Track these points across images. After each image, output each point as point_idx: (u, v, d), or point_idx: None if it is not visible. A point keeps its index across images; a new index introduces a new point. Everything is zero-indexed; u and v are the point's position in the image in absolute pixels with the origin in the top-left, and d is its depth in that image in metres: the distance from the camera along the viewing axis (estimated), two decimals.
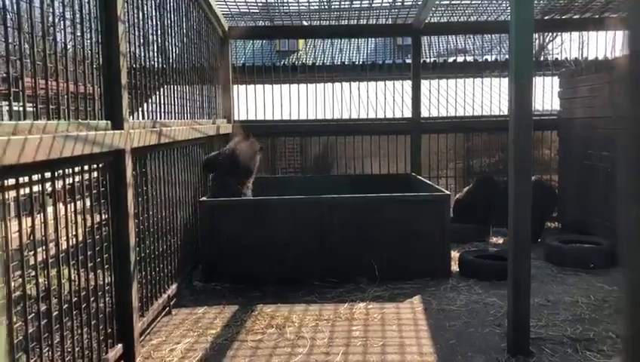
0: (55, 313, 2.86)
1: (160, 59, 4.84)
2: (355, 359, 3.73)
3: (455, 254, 5.95)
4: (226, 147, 6.52)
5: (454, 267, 5.75)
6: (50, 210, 2.93)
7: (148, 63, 4.46)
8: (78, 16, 3.14)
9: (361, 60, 13.46)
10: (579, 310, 4.54)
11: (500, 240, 7.13)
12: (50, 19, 2.87)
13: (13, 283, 2.50)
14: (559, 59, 11.75)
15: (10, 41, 2.47)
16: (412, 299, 4.93)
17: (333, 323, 4.41)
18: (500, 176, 7.42)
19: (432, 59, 11.45)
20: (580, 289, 5.08)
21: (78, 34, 3.16)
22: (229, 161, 6.12)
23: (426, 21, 7.80)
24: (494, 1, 7.39)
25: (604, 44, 9.56)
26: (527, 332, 3.76)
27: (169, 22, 5.05)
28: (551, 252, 6.06)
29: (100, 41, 3.40)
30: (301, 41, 17.20)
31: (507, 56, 8.29)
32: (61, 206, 3.05)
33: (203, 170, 6.27)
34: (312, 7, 7.67)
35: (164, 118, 4.74)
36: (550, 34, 17.12)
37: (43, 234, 2.81)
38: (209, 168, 6.25)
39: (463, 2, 7.39)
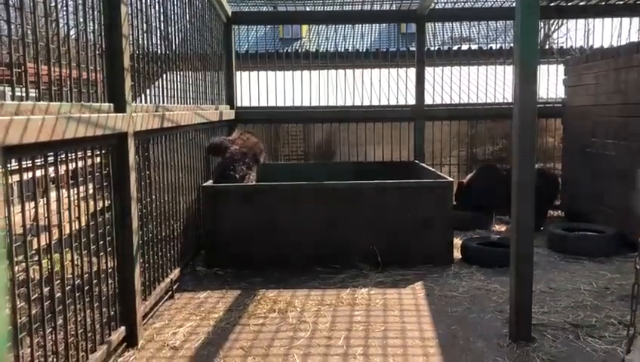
0: (58, 295, 2.88)
1: (163, 44, 4.82)
2: (356, 343, 3.74)
3: (457, 241, 5.95)
4: (233, 136, 6.54)
5: (457, 254, 5.75)
6: (53, 193, 2.94)
7: (151, 48, 4.45)
8: None
9: (364, 48, 13.40)
10: (581, 297, 4.55)
11: (503, 228, 7.13)
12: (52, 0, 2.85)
13: (16, 266, 2.52)
14: (564, 47, 11.69)
15: (11, 22, 2.46)
16: (414, 285, 4.94)
17: (335, 308, 4.42)
18: (502, 164, 7.40)
19: (436, 47, 11.38)
20: (582, 277, 5.08)
21: (81, 15, 3.14)
22: (239, 148, 6.14)
23: (431, 7, 7.75)
24: None
25: (610, 32, 9.49)
26: (529, 319, 3.76)
27: (172, 6, 5.02)
28: (554, 240, 6.06)
29: (102, 22, 3.39)
30: (304, 29, 17.14)
31: (512, 45, 8.25)
32: (64, 189, 3.05)
33: (207, 152, 6.28)
34: None
35: (167, 103, 4.73)
36: (555, 22, 17.02)
37: (46, 216, 2.82)
38: (214, 152, 6.26)
39: None
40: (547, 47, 14.76)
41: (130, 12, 3.75)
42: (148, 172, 4.21)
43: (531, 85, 3.64)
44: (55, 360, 2.84)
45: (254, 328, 4.05)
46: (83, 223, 3.19)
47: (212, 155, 6.38)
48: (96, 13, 3.31)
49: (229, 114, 7.52)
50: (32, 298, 2.63)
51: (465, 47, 11.49)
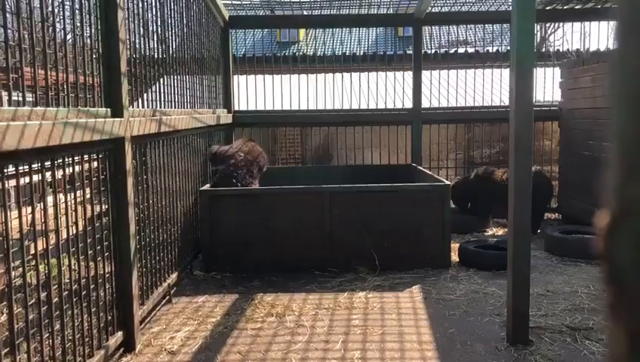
0: (55, 300, 2.87)
1: (160, 49, 4.82)
2: (354, 347, 3.74)
3: (455, 244, 5.96)
4: (237, 144, 6.50)
5: (454, 257, 5.76)
6: (50, 198, 2.93)
7: (148, 52, 4.45)
8: (77, 2, 3.13)
9: (362, 51, 13.43)
10: (578, 300, 4.55)
11: (500, 231, 7.13)
12: (50, 5, 2.85)
13: (13, 272, 2.51)
14: (561, 50, 11.72)
15: (8, 27, 2.46)
16: (412, 289, 4.94)
17: (333, 311, 4.42)
18: (493, 167, 7.41)
19: (433, 50, 11.41)
20: (579, 280, 5.09)
21: (78, 20, 3.14)
22: (244, 157, 6.13)
23: (428, 11, 7.77)
24: None
25: (606, 35, 9.52)
26: (526, 322, 3.77)
27: (169, 11, 5.03)
28: (551, 242, 6.06)
29: (99, 27, 3.39)
30: (302, 33, 17.16)
31: (509, 48, 8.27)
32: (61, 194, 3.05)
33: (210, 160, 6.23)
34: None
35: (165, 107, 4.73)
36: (552, 26, 17.08)
37: (43, 221, 2.81)
38: (216, 160, 6.18)
39: None
40: (544, 50, 14.81)
41: (127, 16, 3.75)
42: (145, 176, 4.21)
43: (528, 87, 3.66)
44: None
45: (252, 332, 4.05)
46: (80, 228, 3.19)
47: (215, 164, 6.29)
48: (93, 17, 3.32)
49: (226, 118, 7.53)
50: (29, 303, 2.63)
51: (462, 50, 11.53)
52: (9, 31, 2.46)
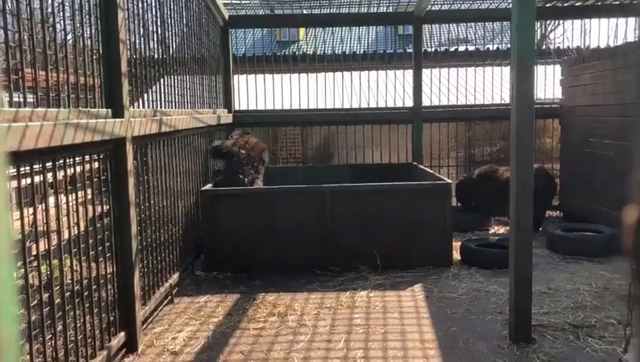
0: (57, 301, 2.87)
1: (160, 49, 4.82)
2: (356, 346, 3.74)
3: (456, 243, 5.95)
4: (235, 138, 6.48)
5: (456, 255, 5.75)
6: (51, 199, 2.93)
7: (148, 52, 4.45)
8: (77, 2, 3.12)
9: (362, 50, 13.41)
10: (580, 297, 4.55)
11: (502, 229, 7.13)
12: (49, 6, 2.85)
13: (15, 273, 2.51)
14: (561, 47, 11.71)
15: (9, 29, 2.46)
16: (413, 287, 4.94)
17: (335, 311, 4.42)
18: (497, 166, 7.41)
19: (433, 49, 11.39)
20: (581, 277, 5.08)
21: (78, 21, 3.14)
22: (246, 151, 6.13)
23: (428, 9, 7.76)
24: None
25: (607, 32, 9.50)
26: (528, 320, 3.76)
27: (169, 11, 5.02)
28: (553, 240, 6.06)
29: (99, 28, 3.39)
30: (302, 32, 17.14)
31: (509, 46, 8.26)
32: (62, 195, 3.05)
33: (213, 156, 6.25)
34: None
35: (165, 107, 4.73)
36: (552, 23, 17.04)
37: (45, 222, 2.81)
38: (219, 155, 6.20)
39: None
40: (544, 47, 14.79)
41: (127, 17, 3.75)
42: (146, 176, 4.20)
43: (528, 85, 3.65)
44: None
45: (254, 332, 4.05)
46: (82, 229, 3.19)
47: (217, 159, 6.31)
48: (93, 18, 3.31)
49: (226, 117, 7.53)
50: (32, 304, 2.63)
51: (462, 48, 11.52)
52: (9, 32, 2.45)
